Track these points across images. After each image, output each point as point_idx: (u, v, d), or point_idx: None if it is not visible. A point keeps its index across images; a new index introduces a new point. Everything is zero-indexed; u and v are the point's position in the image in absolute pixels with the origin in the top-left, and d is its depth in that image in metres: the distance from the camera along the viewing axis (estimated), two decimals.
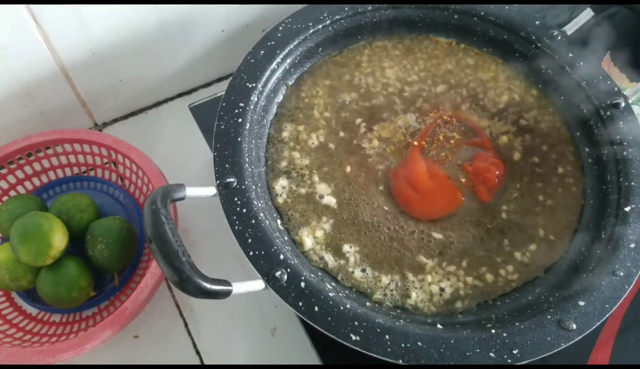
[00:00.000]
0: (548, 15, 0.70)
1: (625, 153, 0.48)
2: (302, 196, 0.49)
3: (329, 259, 0.46)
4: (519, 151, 0.52)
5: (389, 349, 0.37)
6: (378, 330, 0.38)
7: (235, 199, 0.43)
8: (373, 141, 0.52)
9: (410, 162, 0.51)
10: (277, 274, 0.40)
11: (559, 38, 0.55)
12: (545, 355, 0.37)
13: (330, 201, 0.49)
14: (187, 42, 0.62)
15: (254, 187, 0.45)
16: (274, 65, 0.52)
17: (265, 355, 0.53)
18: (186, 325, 0.54)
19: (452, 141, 0.53)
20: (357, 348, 0.37)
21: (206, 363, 0.52)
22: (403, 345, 0.38)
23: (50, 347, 0.44)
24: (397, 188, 0.50)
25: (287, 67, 0.54)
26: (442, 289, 0.45)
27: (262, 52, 0.52)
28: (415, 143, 0.52)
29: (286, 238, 0.46)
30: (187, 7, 0.58)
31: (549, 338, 0.38)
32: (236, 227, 0.42)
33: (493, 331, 0.39)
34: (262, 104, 0.51)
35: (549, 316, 0.39)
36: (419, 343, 0.38)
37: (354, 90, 0.56)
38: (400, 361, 0.37)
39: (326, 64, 0.57)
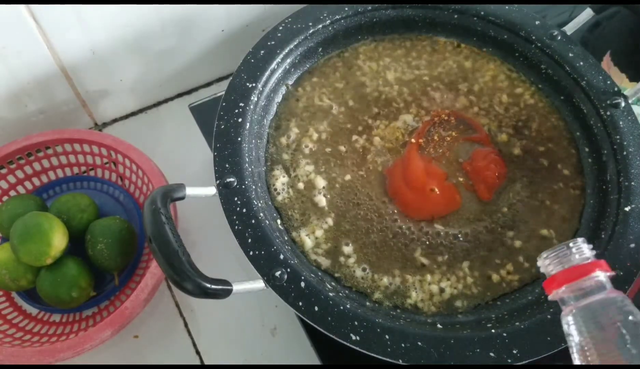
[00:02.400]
0: (548, 15, 0.70)
1: (625, 153, 0.48)
2: (302, 195, 0.49)
3: (329, 258, 0.46)
4: (518, 151, 0.52)
5: (389, 349, 0.37)
6: (378, 330, 0.38)
7: (235, 199, 0.43)
8: (372, 140, 0.52)
9: (406, 160, 0.51)
10: (277, 274, 0.40)
11: (559, 38, 0.55)
12: (545, 355, 0.38)
13: (330, 200, 0.49)
14: (187, 42, 0.62)
15: (254, 187, 0.45)
16: (274, 65, 0.52)
17: (265, 355, 0.53)
18: (186, 325, 0.54)
19: (448, 138, 0.53)
20: (357, 348, 0.37)
21: (206, 363, 0.52)
22: (403, 345, 0.38)
23: (50, 347, 0.44)
24: (393, 187, 0.49)
25: (287, 67, 0.54)
26: (442, 289, 0.45)
27: (262, 52, 0.52)
28: (413, 140, 0.52)
29: (286, 238, 0.46)
30: (187, 7, 0.58)
31: (549, 338, 0.38)
32: (236, 227, 0.42)
33: (493, 331, 0.39)
34: (262, 104, 0.51)
35: (549, 316, 0.39)
36: (419, 343, 0.38)
37: (354, 90, 0.56)
38: (400, 361, 0.37)
39: (326, 64, 0.57)
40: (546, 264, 0.34)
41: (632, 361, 0.28)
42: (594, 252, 0.33)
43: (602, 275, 0.32)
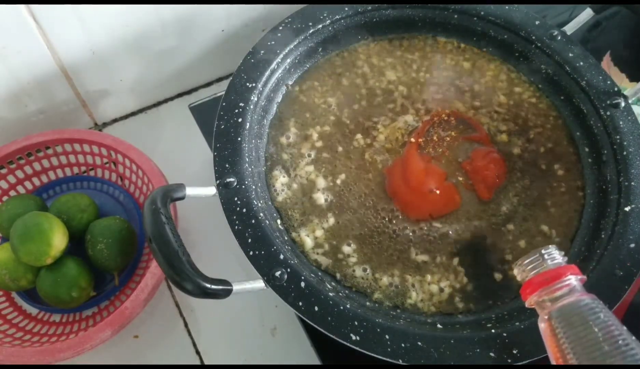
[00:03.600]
0: (548, 15, 0.70)
1: (625, 153, 0.48)
2: (302, 195, 0.49)
3: (329, 258, 0.46)
4: (518, 150, 0.52)
5: (389, 349, 0.37)
6: (378, 330, 0.38)
7: (235, 199, 0.43)
8: (372, 140, 0.52)
9: (406, 160, 0.51)
10: (277, 274, 0.40)
11: (559, 38, 0.55)
12: (545, 355, 0.37)
13: (329, 200, 0.49)
14: (187, 42, 0.62)
15: (253, 187, 0.45)
16: (274, 65, 0.52)
17: (265, 355, 0.53)
18: (186, 325, 0.54)
19: (448, 138, 0.53)
20: (357, 348, 0.37)
21: (206, 363, 0.52)
22: (403, 345, 0.38)
23: (50, 347, 0.44)
24: (392, 186, 0.49)
25: (287, 67, 0.54)
26: (441, 289, 0.45)
27: (262, 52, 0.52)
28: (412, 140, 0.52)
29: (286, 238, 0.46)
30: (187, 7, 0.58)
31: None
32: (236, 227, 0.42)
33: (493, 331, 0.39)
34: (262, 104, 0.51)
35: None
36: (419, 343, 0.38)
37: (354, 90, 0.56)
38: (400, 361, 0.37)
39: (326, 64, 0.57)
40: (521, 271, 0.36)
41: (605, 359, 0.29)
42: (566, 258, 0.35)
43: (573, 278, 0.34)
